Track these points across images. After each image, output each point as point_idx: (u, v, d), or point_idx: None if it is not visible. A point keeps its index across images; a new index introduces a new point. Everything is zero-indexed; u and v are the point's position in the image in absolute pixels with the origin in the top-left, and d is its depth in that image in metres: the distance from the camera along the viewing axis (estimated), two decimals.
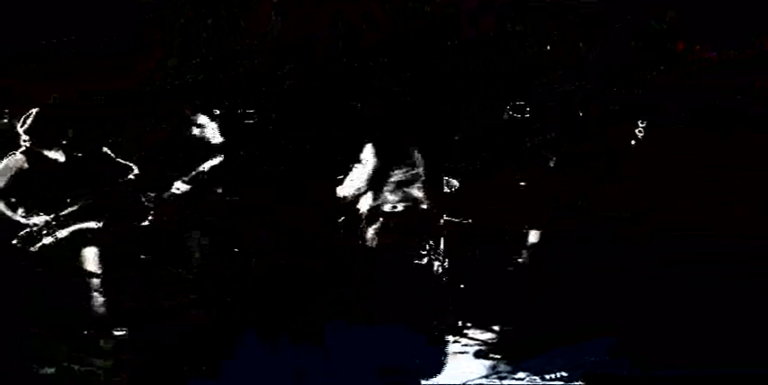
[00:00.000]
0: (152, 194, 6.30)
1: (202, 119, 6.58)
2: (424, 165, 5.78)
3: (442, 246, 7.09)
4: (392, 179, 5.54)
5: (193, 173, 6.29)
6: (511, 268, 6.47)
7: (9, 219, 5.82)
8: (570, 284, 6.15)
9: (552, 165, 6.39)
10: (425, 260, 6.68)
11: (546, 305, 6.23)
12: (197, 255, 6.33)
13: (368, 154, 5.69)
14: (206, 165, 6.27)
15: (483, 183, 7.39)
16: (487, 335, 6.90)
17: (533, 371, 5.92)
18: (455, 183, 7.15)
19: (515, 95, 6.49)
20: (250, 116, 6.86)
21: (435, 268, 6.99)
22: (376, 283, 5.80)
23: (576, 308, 6.14)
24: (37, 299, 5.72)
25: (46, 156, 5.96)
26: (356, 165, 5.85)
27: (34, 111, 5.92)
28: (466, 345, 6.62)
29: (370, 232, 5.75)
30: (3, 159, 5.91)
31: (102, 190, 5.97)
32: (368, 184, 5.58)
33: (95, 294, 5.89)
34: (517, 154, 6.87)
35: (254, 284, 6.39)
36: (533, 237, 6.13)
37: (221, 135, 6.64)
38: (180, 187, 6.25)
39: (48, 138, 5.96)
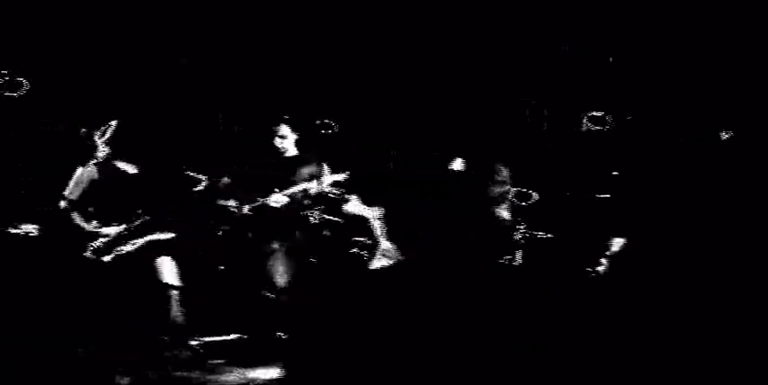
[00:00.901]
0: (232, 205, 6.32)
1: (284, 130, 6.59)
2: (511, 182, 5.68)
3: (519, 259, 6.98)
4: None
5: (292, 188, 6.29)
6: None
7: (83, 229, 5.85)
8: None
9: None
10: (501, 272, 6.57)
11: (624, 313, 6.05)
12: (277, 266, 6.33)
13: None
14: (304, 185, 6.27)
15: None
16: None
17: None
18: (535, 195, 7.03)
19: None
20: (330, 127, 6.84)
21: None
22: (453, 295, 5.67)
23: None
24: (112, 309, 5.74)
25: (119, 168, 6.00)
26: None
27: (114, 122, 5.96)
28: None
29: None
30: (77, 170, 5.97)
31: (174, 201, 5.97)
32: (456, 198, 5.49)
33: (171, 303, 5.90)
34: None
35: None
36: (616, 246, 5.97)
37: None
38: (278, 200, 6.25)
39: (123, 150, 6.00)
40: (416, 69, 7.67)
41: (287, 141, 6.62)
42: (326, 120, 6.97)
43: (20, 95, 6.92)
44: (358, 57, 7.65)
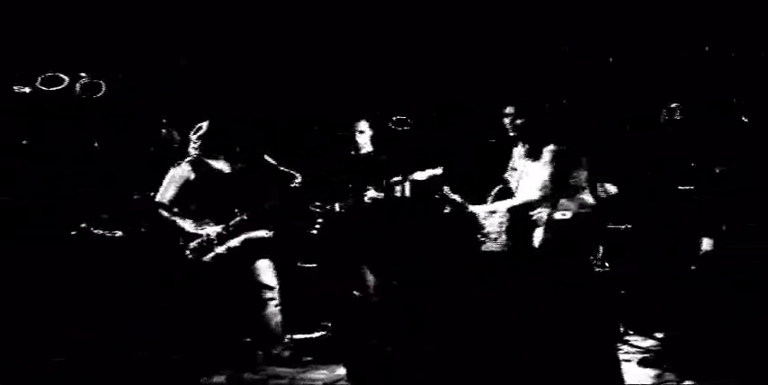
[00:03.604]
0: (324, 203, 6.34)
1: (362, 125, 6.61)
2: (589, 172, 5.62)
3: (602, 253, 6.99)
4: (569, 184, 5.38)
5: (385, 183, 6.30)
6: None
7: (180, 228, 5.86)
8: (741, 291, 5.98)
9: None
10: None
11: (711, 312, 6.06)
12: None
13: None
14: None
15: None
16: (650, 343, 6.75)
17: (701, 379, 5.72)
18: (613, 189, 7.03)
19: None
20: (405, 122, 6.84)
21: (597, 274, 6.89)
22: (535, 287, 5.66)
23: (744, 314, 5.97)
24: (209, 309, 5.77)
25: (212, 167, 6.02)
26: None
27: (205, 123, 6.00)
28: (627, 353, 6.49)
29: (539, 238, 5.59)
30: (170, 170, 5.99)
31: (268, 199, 5.99)
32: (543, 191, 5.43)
33: (267, 303, 5.93)
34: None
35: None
36: (707, 245, 5.96)
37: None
38: (371, 197, 6.27)
39: (213, 149, 6.03)
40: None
41: (364, 137, 6.64)
42: (402, 117, 6.97)
43: (97, 98, 6.96)
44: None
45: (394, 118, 7.17)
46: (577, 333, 5.18)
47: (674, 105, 6.99)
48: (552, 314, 5.22)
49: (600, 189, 6.88)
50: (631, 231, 7.12)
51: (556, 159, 5.30)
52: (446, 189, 5.49)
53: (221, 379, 5.52)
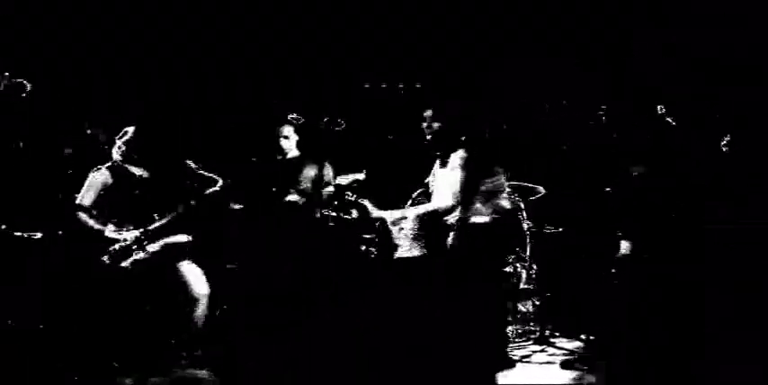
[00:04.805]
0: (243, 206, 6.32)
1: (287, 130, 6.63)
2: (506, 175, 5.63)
3: (528, 254, 7.02)
4: (482, 189, 5.38)
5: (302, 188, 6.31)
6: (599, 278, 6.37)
7: (99, 233, 5.81)
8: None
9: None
10: (510, 268, 6.61)
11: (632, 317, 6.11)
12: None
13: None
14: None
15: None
16: (574, 345, 6.80)
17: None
18: (541, 190, 7.06)
19: None
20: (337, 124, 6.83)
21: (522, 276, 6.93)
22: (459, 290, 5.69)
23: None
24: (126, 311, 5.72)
25: (131, 172, 5.97)
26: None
27: (130, 129, 5.95)
28: (552, 355, 6.53)
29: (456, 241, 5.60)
30: (89, 174, 5.94)
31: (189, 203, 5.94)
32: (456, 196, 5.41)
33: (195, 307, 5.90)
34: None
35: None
36: (624, 248, 5.99)
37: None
38: (291, 200, 6.27)
39: (136, 153, 5.98)
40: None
41: (289, 142, 6.70)
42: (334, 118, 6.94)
43: (23, 98, 6.87)
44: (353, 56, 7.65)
45: (325, 119, 7.15)
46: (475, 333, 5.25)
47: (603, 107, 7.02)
48: (455, 314, 5.28)
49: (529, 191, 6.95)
50: (559, 233, 7.17)
51: (466, 165, 5.31)
52: (350, 194, 5.50)
53: (129, 381, 5.49)
